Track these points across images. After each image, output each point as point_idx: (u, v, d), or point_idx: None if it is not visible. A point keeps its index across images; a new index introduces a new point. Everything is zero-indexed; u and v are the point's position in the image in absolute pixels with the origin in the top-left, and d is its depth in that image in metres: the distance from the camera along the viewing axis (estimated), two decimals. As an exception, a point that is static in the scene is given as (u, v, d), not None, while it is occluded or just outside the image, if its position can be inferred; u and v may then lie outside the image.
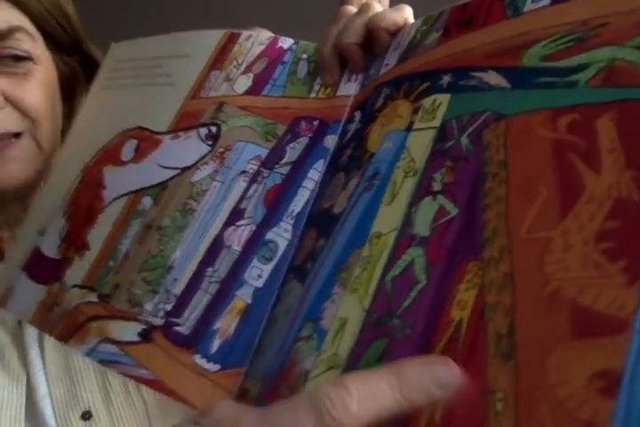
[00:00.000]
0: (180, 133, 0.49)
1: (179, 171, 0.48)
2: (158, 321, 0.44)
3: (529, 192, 0.28)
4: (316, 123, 0.45)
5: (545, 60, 0.30)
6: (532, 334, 0.26)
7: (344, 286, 0.35)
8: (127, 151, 0.52)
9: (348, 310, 0.34)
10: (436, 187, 0.33)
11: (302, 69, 0.47)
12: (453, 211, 0.31)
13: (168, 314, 0.44)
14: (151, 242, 0.47)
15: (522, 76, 0.31)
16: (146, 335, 0.44)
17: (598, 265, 0.25)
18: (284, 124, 0.46)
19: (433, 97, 0.35)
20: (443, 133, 0.34)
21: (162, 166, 0.49)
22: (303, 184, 0.43)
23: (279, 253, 0.42)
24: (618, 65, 0.28)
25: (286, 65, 0.48)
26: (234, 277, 0.43)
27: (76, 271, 0.50)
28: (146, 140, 0.51)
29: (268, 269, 0.42)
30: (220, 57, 0.50)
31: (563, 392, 0.25)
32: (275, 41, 0.49)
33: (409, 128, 0.36)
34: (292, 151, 0.44)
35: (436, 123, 0.34)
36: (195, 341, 0.42)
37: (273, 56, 0.48)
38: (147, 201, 0.48)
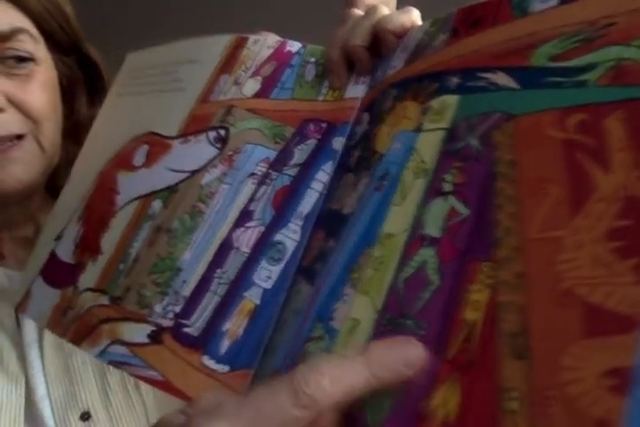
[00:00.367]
0: (190, 137, 0.49)
1: (188, 174, 0.48)
2: (167, 322, 0.43)
3: (539, 192, 0.28)
4: (324, 125, 0.44)
5: (553, 59, 0.30)
6: (545, 333, 0.26)
7: (355, 287, 0.35)
8: (139, 156, 0.52)
9: (359, 311, 0.34)
10: (447, 188, 0.32)
11: (310, 72, 0.47)
12: (464, 211, 0.31)
13: (177, 315, 0.43)
14: (160, 245, 0.47)
15: (530, 77, 0.31)
16: (155, 337, 0.43)
17: (609, 264, 0.25)
18: (292, 127, 0.45)
19: (441, 98, 0.35)
20: (452, 134, 0.33)
21: (172, 170, 0.49)
22: (311, 186, 0.43)
23: (288, 255, 0.42)
24: (626, 64, 0.28)
25: (294, 68, 0.48)
26: (243, 279, 0.42)
27: (89, 275, 0.50)
28: (156, 145, 0.51)
29: (276, 270, 0.42)
30: (229, 61, 0.50)
31: (575, 390, 0.24)
32: (283, 45, 0.49)
33: (418, 129, 0.36)
34: (301, 153, 0.44)
35: (445, 124, 0.34)
36: (203, 342, 0.42)
37: (281, 59, 0.48)
38: (157, 204, 0.48)
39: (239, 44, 0.50)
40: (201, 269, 0.44)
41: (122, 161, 0.53)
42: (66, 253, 0.53)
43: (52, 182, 0.66)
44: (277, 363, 0.38)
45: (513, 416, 0.26)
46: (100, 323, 0.47)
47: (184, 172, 0.48)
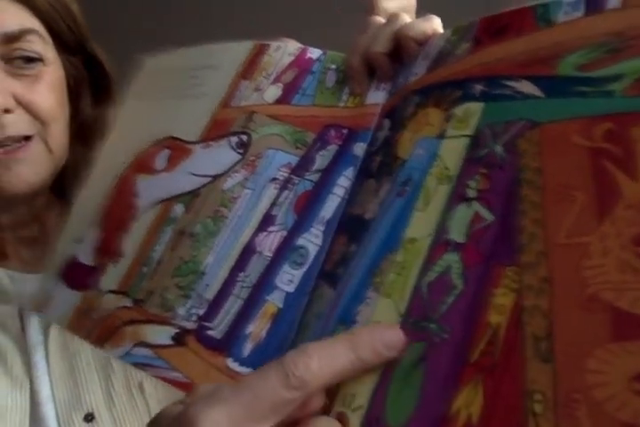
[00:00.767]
0: (212, 142, 0.50)
1: (210, 179, 0.48)
2: (191, 325, 0.44)
3: (565, 198, 0.28)
4: (345, 131, 0.45)
5: (580, 69, 0.30)
6: (571, 337, 0.26)
7: (377, 291, 0.35)
8: (160, 161, 0.52)
9: (382, 314, 0.34)
10: (471, 194, 0.33)
11: (331, 79, 0.47)
12: (489, 217, 0.31)
13: (200, 318, 0.44)
14: (183, 248, 0.47)
15: (556, 86, 0.31)
16: (179, 339, 0.44)
17: (636, 269, 0.25)
18: (313, 133, 0.46)
19: (465, 105, 0.35)
20: (476, 141, 0.34)
21: (193, 174, 0.49)
22: (333, 191, 0.43)
23: (310, 259, 0.42)
24: None
25: (315, 75, 0.48)
26: (265, 283, 0.43)
27: (111, 278, 0.50)
28: (178, 150, 0.51)
29: (298, 274, 0.42)
30: (250, 67, 0.51)
31: (602, 394, 0.25)
32: (303, 51, 0.49)
33: (441, 136, 0.36)
34: (322, 159, 0.45)
35: (470, 131, 0.34)
36: (227, 345, 0.42)
37: (302, 66, 0.49)
38: (179, 208, 0.49)
39: (260, 51, 0.51)
40: (224, 272, 0.44)
41: (142, 165, 0.54)
42: (86, 255, 0.53)
43: (57, 183, 0.66)
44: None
45: (537, 419, 0.26)
46: (123, 325, 0.48)
47: (206, 176, 0.49)
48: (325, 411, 0.34)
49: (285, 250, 0.43)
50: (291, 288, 0.42)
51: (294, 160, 0.46)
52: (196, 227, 0.47)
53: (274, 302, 0.42)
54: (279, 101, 0.48)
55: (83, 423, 0.59)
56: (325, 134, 0.45)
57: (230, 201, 0.46)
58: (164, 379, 0.44)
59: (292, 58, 0.49)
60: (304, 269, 0.42)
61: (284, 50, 0.50)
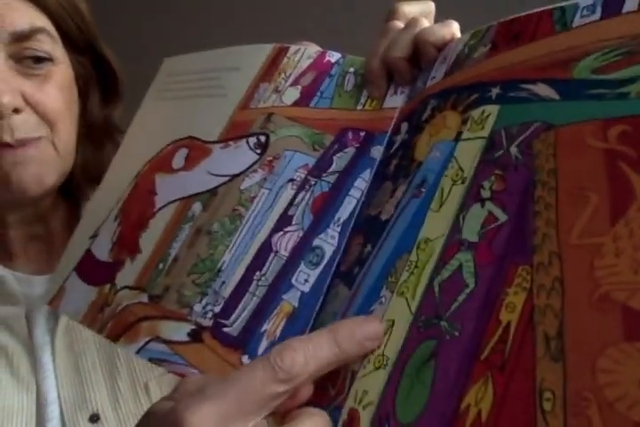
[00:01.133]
0: (230, 143, 0.51)
1: (228, 178, 0.49)
2: (207, 322, 0.45)
3: (579, 199, 0.29)
4: (362, 134, 0.46)
5: (595, 72, 0.31)
6: (582, 337, 0.27)
7: (391, 290, 0.36)
8: (178, 160, 0.53)
9: (395, 312, 0.35)
10: (485, 194, 0.33)
11: (349, 82, 0.48)
12: (502, 217, 0.32)
13: (216, 315, 0.45)
14: (201, 246, 0.48)
15: (572, 88, 0.31)
16: (195, 336, 0.45)
17: None
18: (331, 135, 0.46)
19: (482, 108, 0.36)
20: (491, 143, 0.34)
21: (212, 174, 0.50)
22: (350, 193, 0.44)
23: (326, 259, 0.43)
24: None
25: (333, 78, 0.49)
26: (281, 282, 0.43)
27: (127, 273, 0.51)
28: (196, 149, 0.52)
29: (314, 273, 0.43)
30: (270, 70, 0.52)
31: (612, 394, 0.25)
32: (322, 55, 0.50)
33: (457, 138, 0.36)
34: (339, 161, 0.45)
35: (485, 133, 0.35)
36: (243, 342, 0.43)
37: (321, 69, 0.50)
38: (197, 207, 0.50)
39: (280, 54, 0.52)
40: (240, 270, 0.45)
41: (160, 164, 0.55)
42: (102, 251, 0.54)
43: (65, 183, 0.66)
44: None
45: (546, 417, 0.27)
46: (138, 320, 0.48)
47: (224, 176, 0.50)
48: (330, 403, 0.35)
49: (302, 250, 0.44)
50: (306, 288, 0.43)
51: (312, 162, 0.46)
52: (214, 225, 0.48)
53: (289, 300, 0.43)
54: (297, 104, 0.49)
55: (88, 424, 0.60)
56: (343, 137, 0.46)
57: (248, 201, 0.47)
58: (181, 375, 0.44)
59: (311, 61, 0.50)
60: (319, 268, 0.43)
61: (304, 53, 0.51)
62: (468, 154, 0.35)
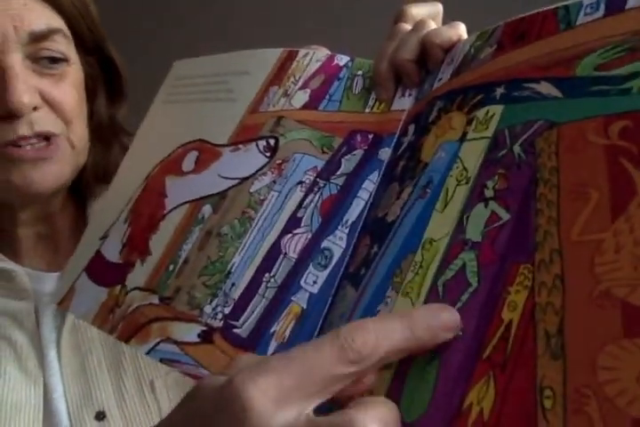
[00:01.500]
0: (240, 146, 0.51)
1: (238, 181, 0.50)
2: (217, 323, 0.45)
3: (580, 196, 0.29)
4: (370, 136, 0.46)
5: (598, 69, 0.31)
6: (582, 333, 0.27)
7: (396, 290, 0.36)
8: (188, 162, 0.54)
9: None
10: (488, 194, 0.33)
11: (358, 85, 0.49)
12: (505, 216, 0.32)
13: (226, 317, 0.45)
14: (211, 248, 0.49)
15: (574, 86, 0.31)
16: (205, 336, 0.45)
17: None
18: (339, 137, 0.47)
19: (486, 108, 0.36)
20: (495, 143, 0.34)
21: (222, 177, 0.51)
22: (358, 194, 0.44)
23: (334, 261, 0.43)
24: None
25: (342, 81, 0.50)
26: (290, 283, 0.44)
27: (138, 275, 0.52)
28: (206, 152, 0.53)
29: (323, 275, 0.43)
30: (279, 73, 0.52)
31: (612, 390, 0.25)
32: (331, 58, 0.51)
33: (462, 139, 0.37)
34: (348, 163, 0.46)
35: (489, 133, 0.35)
36: (252, 343, 0.43)
37: (329, 72, 0.50)
38: (207, 209, 0.51)
39: (289, 57, 0.53)
40: (250, 272, 0.45)
41: (170, 166, 0.55)
42: (112, 252, 0.55)
43: (74, 182, 0.67)
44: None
45: (547, 414, 0.27)
46: (149, 322, 0.49)
47: (234, 179, 0.50)
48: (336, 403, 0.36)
49: (310, 252, 0.44)
50: (315, 289, 0.43)
51: (320, 164, 0.47)
52: (224, 228, 0.49)
53: (298, 302, 0.44)
54: (306, 107, 0.50)
55: (94, 422, 0.61)
56: (351, 139, 0.47)
57: (257, 203, 0.48)
58: (192, 375, 0.45)
59: (320, 64, 0.51)
60: (328, 270, 0.43)
61: (312, 56, 0.52)
62: (473, 154, 0.36)
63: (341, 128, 0.47)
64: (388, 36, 0.47)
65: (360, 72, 0.49)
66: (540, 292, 0.29)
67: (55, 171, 0.61)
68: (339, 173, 0.46)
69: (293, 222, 0.46)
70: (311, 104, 0.50)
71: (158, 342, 0.47)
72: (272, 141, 0.50)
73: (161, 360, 0.47)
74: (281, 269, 0.45)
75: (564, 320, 0.28)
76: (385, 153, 0.45)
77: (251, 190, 0.49)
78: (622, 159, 0.28)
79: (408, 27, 0.46)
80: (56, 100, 0.60)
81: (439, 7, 0.48)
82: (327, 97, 0.49)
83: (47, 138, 0.60)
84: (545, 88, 0.33)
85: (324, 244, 0.44)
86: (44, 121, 0.59)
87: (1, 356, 0.62)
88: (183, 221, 0.51)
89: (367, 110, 0.47)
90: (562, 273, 0.29)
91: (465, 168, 0.35)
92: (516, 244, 0.31)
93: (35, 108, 0.58)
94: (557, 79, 0.33)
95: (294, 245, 0.45)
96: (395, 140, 0.44)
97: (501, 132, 0.34)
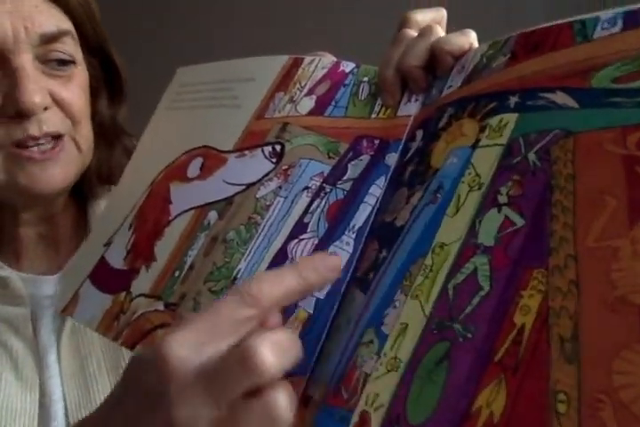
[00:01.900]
0: (246, 152, 0.51)
1: (244, 187, 0.50)
2: None
3: (597, 203, 0.29)
4: (377, 141, 0.46)
5: (616, 82, 0.31)
6: (597, 339, 0.27)
7: (406, 293, 0.36)
8: (193, 169, 0.54)
9: (409, 316, 0.35)
10: (502, 200, 0.34)
11: (364, 91, 0.49)
12: (519, 222, 0.32)
13: None
14: (217, 254, 0.48)
15: (591, 97, 0.32)
16: None
17: None
18: (345, 143, 0.47)
19: (500, 116, 0.36)
20: (509, 150, 0.35)
21: (227, 183, 0.51)
22: (365, 200, 0.44)
23: (341, 266, 0.43)
24: None
25: (348, 87, 0.49)
26: None
27: (143, 281, 0.51)
28: (212, 158, 0.53)
29: None
30: (285, 80, 0.52)
31: (628, 395, 0.25)
32: (337, 65, 0.51)
33: (474, 145, 0.37)
34: (354, 168, 0.46)
35: (503, 140, 0.35)
36: None
37: (335, 79, 0.50)
38: (212, 215, 0.50)
39: (295, 64, 0.52)
40: None
41: (175, 172, 0.55)
42: (116, 259, 0.55)
43: (76, 183, 0.66)
44: (331, 368, 0.40)
45: (560, 418, 0.27)
46: (154, 328, 0.49)
47: (240, 185, 0.50)
48: (343, 406, 0.36)
49: None
50: (321, 294, 0.43)
51: (327, 169, 0.47)
52: (230, 233, 0.48)
53: (305, 307, 0.43)
54: (312, 113, 0.50)
55: None
56: (358, 145, 0.47)
57: (263, 209, 0.48)
58: None
59: (326, 71, 0.51)
60: None
61: (318, 63, 0.51)
62: (486, 161, 0.36)
63: (347, 134, 0.47)
64: (393, 42, 0.46)
65: (366, 78, 0.49)
66: (554, 296, 0.29)
67: (62, 172, 0.61)
68: (345, 178, 0.46)
69: (300, 228, 0.46)
70: (317, 110, 0.50)
71: None
72: (278, 147, 0.49)
73: None
74: None
75: (578, 325, 0.28)
76: (391, 158, 0.44)
77: (257, 196, 0.48)
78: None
79: (413, 33, 0.46)
80: (65, 101, 0.60)
81: (443, 12, 0.47)
82: (333, 103, 0.49)
83: (54, 138, 0.60)
84: (560, 98, 0.33)
85: (331, 249, 0.44)
86: (53, 121, 0.59)
87: None
88: (189, 228, 0.51)
89: (373, 116, 0.47)
90: (577, 278, 0.29)
91: (477, 174, 0.36)
92: (530, 249, 0.31)
93: (45, 109, 0.58)
94: (573, 89, 0.33)
95: (301, 250, 0.45)
96: (401, 146, 0.44)
97: (516, 140, 0.35)
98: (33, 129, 0.58)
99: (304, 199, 0.46)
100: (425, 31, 0.45)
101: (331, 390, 0.38)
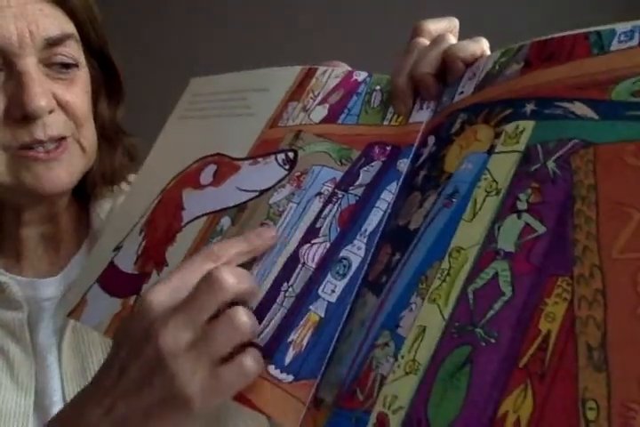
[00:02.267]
0: (259, 159, 0.50)
1: (257, 193, 0.49)
2: None
3: (620, 215, 0.29)
4: (388, 148, 0.45)
5: (635, 95, 0.31)
6: (626, 348, 0.26)
7: (422, 296, 0.35)
8: (206, 176, 0.53)
9: (427, 319, 0.34)
10: (521, 206, 0.33)
11: (376, 99, 0.48)
12: (540, 229, 0.32)
13: None
14: None
15: (611, 109, 0.31)
16: None
17: None
18: (358, 150, 0.46)
19: (515, 123, 0.35)
20: (527, 157, 0.34)
21: (240, 189, 0.50)
22: (376, 204, 0.43)
23: (352, 270, 0.42)
24: None
25: (360, 95, 0.48)
26: (308, 292, 0.43)
27: None
28: (225, 166, 0.52)
29: (341, 284, 0.42)
30: (298, 90, 0.51)
31: None
32: (349, 74, 0.50)
33: (490, 151, 0.36)
34: (366, 174, 0.45)
35: (520, 147, 0.34)
36: (270, 352, 0.42)
37: (348, 88, 0.49)
38: (225, 221, 0.49)
39: (308, 75, 0.51)
40: (269, 282, 0.44)
41: (188, 179, 0.54)
42: (126, 263, 0.53)
43: (78, 184, 0.65)
44: (343, 371, 0.38)
45: (590, 425, 0.26)
46: None
47: (253, 191, 0.49)
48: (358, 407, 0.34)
49: (329, 261, 0.43)
50: (333, 298, 0.42)
51: (339, 175, 0.46)
52: None
53: (316, 311, 0.42)
54: (325, 121, 0.49)
55: None
56: (370, 151, 0.46)
57: (276, 214, 0.47)
58: None
59: (339, 80, 0.50)
60: (346, 279, 0.42)
61: (331, 73, 0.50)
62: (503, 166, 0.35)
63: (360, 141, 0.46)
64: (406, 51, 0.46)
65: (378, 87, 0.48)
66: (580, 305, 0.29)
67: (66, 171, 0.59)
68: (357, 183, 0.45)
69: (312, 232, 0.44)
70: (330, 118, 0.49)
71: None
72: (291, 154, 0.48)
73: None
74: (299, 279, 0.43)
75: (606, 334, 0.27)
76: (403, 164, 0.43)
77: (270, 202, 0.47)
78: None
79: (426, 42, 0.45)
80: (69, 104, 0.59)
81: (456, 22, 0.47)
82: (346, 111, 0.48)
83: (59, 139, 0.59)
84: (579, 109, 0.33)
85: (343, 253, 0.43)
86: (58, 124, 0.58)
87: None
88: (201, 233, 0.50)
89: (385, 123, 0.46)
90: (603, 288, 0.28)
91: (494, 179, 0.35)
92: (553, 256, 0.31)
93: (50, 112, 0.57)
94: (592, 101, 0.32)
95: (312, 254, 0.44)
96: (413, 151, 0.43)
97: (534, 148, 0.34)
98: (39, 132, 0.56)
99: (316, 205, 0.45)
100: (438, 40, 0.44)
101: (344, 392, 0.37)
